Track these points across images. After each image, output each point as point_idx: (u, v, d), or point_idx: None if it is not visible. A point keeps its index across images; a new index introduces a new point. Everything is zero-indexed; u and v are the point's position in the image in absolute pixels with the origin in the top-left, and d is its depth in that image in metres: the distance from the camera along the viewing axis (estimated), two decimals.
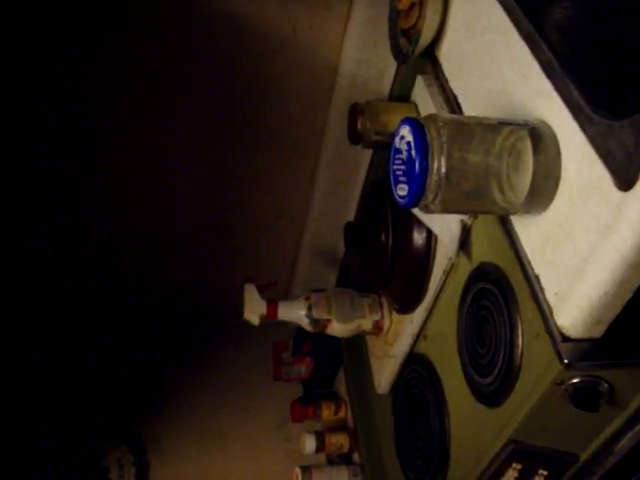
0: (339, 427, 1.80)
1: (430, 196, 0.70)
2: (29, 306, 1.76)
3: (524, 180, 0.72)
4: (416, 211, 0.97)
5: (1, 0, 1.20)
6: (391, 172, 0.76)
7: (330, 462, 1.79)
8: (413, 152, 0.69)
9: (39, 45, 1.28)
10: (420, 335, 1.20)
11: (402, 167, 0.72)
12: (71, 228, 1.68)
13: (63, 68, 1.34)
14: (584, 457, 0.89)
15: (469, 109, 0.98)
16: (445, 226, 1.00)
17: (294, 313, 1.35)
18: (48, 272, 1.76)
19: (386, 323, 1.35)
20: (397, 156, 0.74)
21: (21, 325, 1.76)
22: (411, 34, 1.10)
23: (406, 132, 0.71)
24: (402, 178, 0.73)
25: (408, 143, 0.71)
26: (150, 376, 1.91)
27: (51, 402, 1.77)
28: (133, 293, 1.90)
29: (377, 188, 1.31)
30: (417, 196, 0.70)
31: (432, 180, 0.69)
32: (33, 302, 1.77)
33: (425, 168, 0.69)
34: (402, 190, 0.73)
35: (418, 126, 0.70)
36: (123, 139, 1.51)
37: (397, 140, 0.74)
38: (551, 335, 0.74)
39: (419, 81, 1.13)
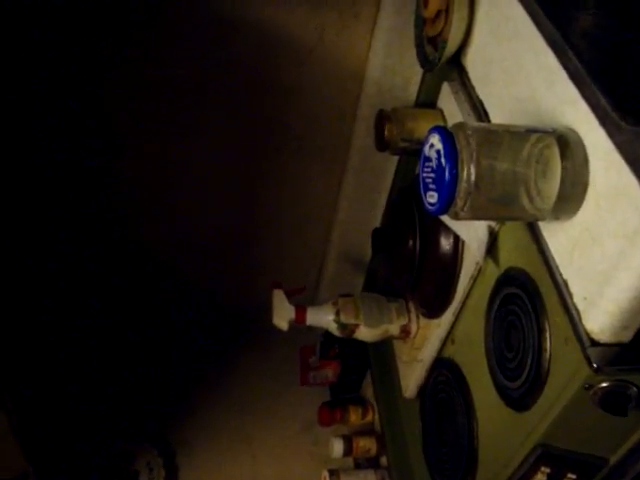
0: (366, 431, 1.81)
1: (460, 203, 0.71)
2: (60, 310, 1.79)
3: (552, 187, 0.72)
4: (443, 217, 0.98)
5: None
6: (420, 180, 0.77)
7: (358, 466, 1.80)
8: (443, 160, 0.71)
9: (69, 46, 1.31)
10: (448, 339, 1.20)
11: (432, 175, 0.74)
12: (99, 233, 1.71)
13: (90, 70, 1.36)
14: (613, 461, 0.89)
15: (496, 116, 0.99)
16: (472, 231, 1.00)
17: (322, 318, 1.36)
18: (81, 274, 1.79)
19: (413, 328, 1.36)
20: (427, 164, 0.75)
21: (51, 328, 1.78)
22: (437, 41, 1.10)
23: (436, 140, 0.72)
24: (432, 186, 0.74)
25: (438, 151, 0.72)
26: (179, 380, 1.93)
27: (81, 406, 1.80)
28: (161, 298, 1.93)
29: (404, 194, 1.32)
30: (447, 203, 0.72)
31: (462, 188, 0.70)
32: (63, 305, 1.80)
33: (455, 176, 0.70)
34: (432, 197, 0.74)
35: (447, 135, 0.71)
36: (150, 143, 1.53)
37: (426, 148, 0.75)
38: (580, 340, 0.74)
39: (445, 88, 1.14)
